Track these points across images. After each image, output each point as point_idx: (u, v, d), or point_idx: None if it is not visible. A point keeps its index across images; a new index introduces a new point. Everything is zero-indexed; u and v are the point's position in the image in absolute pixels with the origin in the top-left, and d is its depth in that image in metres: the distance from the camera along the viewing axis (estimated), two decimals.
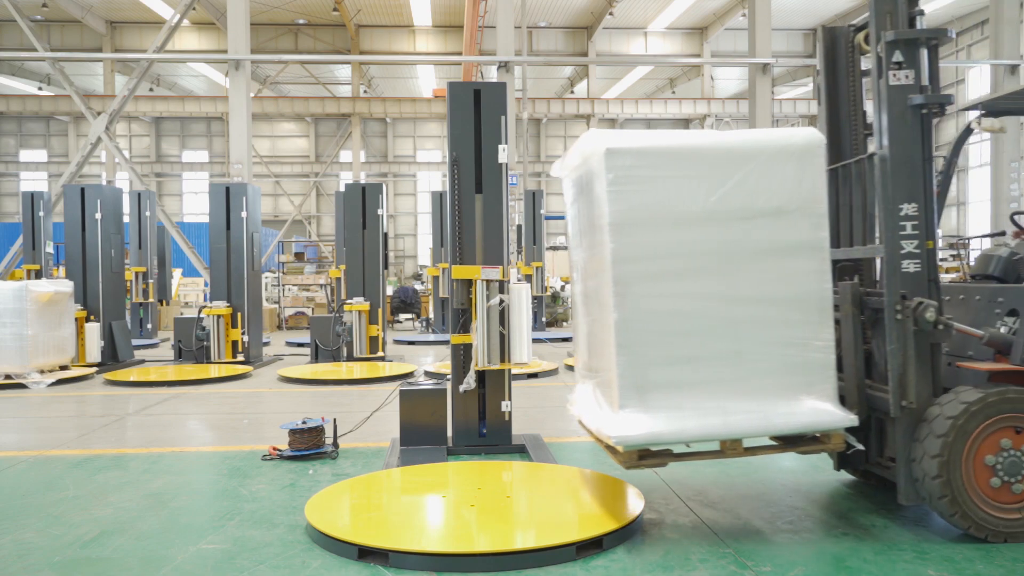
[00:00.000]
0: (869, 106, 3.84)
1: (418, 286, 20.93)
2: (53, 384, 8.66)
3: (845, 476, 4.37)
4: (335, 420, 5.29)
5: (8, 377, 8.56)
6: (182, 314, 15.03)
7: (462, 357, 5.24)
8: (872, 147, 3.67)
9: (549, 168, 13.70)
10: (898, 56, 3.50)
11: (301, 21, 27.18)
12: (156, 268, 14.78)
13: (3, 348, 8.46)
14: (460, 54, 25.97)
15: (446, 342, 10.51)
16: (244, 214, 10.33)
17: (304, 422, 5.17)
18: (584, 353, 4.03)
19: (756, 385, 3.33)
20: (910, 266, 3.50)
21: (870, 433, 3.79)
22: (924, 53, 3.53)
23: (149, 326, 14.40)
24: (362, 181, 21.18)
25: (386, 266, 11.23)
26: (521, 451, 5.19)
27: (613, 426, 3.27)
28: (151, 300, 14.39)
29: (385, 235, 11.11)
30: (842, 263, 4.01)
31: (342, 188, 11.78)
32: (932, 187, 3.54)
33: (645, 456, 3.33)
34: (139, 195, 14.39)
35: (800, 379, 3.36)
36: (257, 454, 5.21)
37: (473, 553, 3.20)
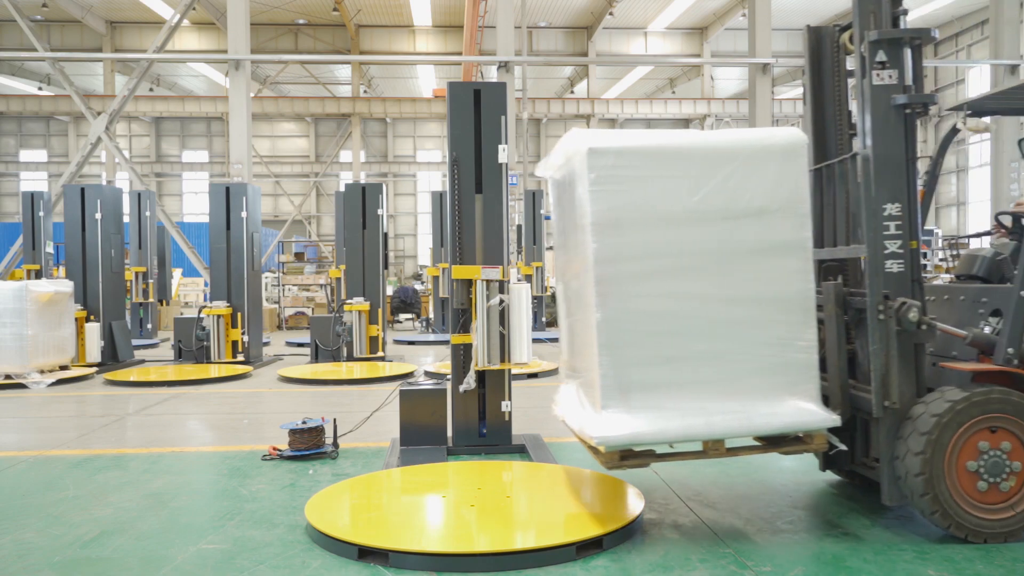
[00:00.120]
0: (855, 106, 3.84)
1: (418, 286, 20.93)
2: (53, 384, 8.66)
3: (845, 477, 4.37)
4: (335, 420, 5.29)
5: (8, 377, 8.56)
6: (182, 314, 15.03)
7: (462, 357, 5.24)
8: (857, 147, 3.67)
9: None
10: (881, 56, 3.50)
11: (301, 21, 27.18)
12: (156, 268, 14.78)
13: (3, 348, 8.46)
14: (460, 54, 25.97)
15: (446, 342, 10.51)
16: (244, 214, 10.33)
17: (304, 422, 5.17)
18: (568, 353, 4.03)
19: (738, 385, 3.33)
20: (893, 266, 3.49)
21: (855, 434, 3.79)
22: (908, 53, 3.53)
23: (149, 326, 14.40)
24: (362, 181, 21.18)
25: (386, 266, 11.23)
26: (521, 451, 5.19)
27: (595, 426, 3.26)
28: (151, 300, 14.39)
29: (385, 235, 11.11)
30: (827, 263, 4.00)
31: (342, 188, 11.78)
32: (916, 187, 3.54)
33: (627, 457, 3.31)
34: (139, 195, 14.39)
35: (783, 379, 3.35)
36: (257, 454, 5.21)
37: (473, 553, 3.20)
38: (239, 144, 15.03)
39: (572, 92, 31.42)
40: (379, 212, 10.94)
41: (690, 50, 27.57)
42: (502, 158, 5.21)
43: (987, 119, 4.31)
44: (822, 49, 4.14)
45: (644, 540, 3.45)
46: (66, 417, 6.95)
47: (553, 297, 16.81)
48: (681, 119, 29.38)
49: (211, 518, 3.86)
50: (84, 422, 6.59)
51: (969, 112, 4.30)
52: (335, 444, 5.16)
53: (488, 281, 5.07)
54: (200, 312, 10.19)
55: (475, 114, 5.27)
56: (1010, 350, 3.49)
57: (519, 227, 15.90)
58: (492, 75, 26.29)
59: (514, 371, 5.31)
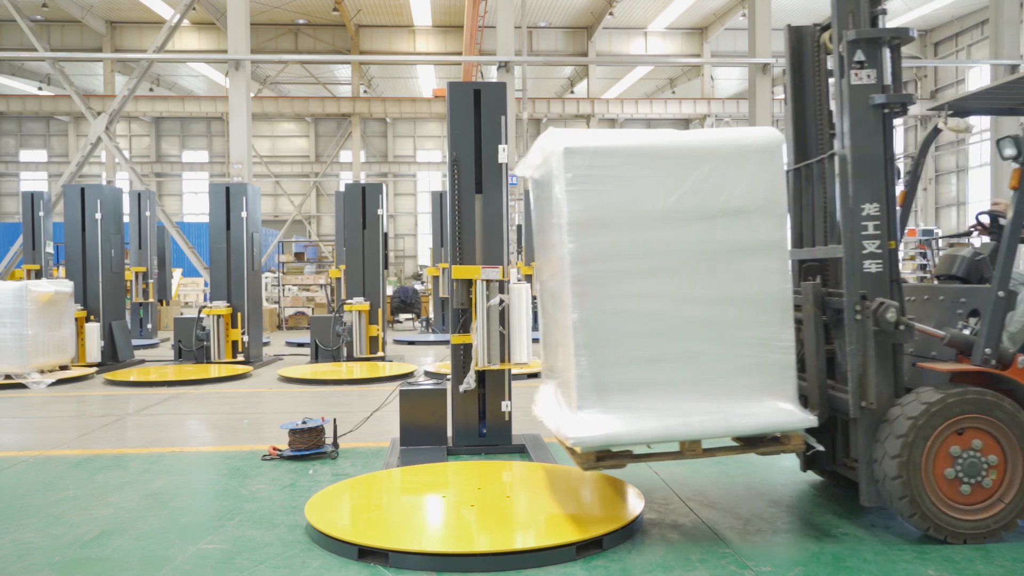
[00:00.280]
0: (835, 105, 3.83)
1: (418, 286, 20.93)
2: (53, 384, 8.66)
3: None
4: (335, 420, 5.29)
5: (8, 377, 8.56)
6: (182, 314, 15.03)
7: (462, 357, 5.24)
8: (837, 147, 3.66)
9: None
10: (860, 55, 3.49)
11: (301, 21, 27.17)
12: (156, 268, 14.77)
13: (3, 348, 8.46)
14: (460, 54, 25.96)
15: (446, 342, 10.50)
16: (244, 214, 10.33)
17: (304, 422, 5.17)
18: (546, 353, 4.03)
19: (716, 386, 3.31)
20: (872, 266, 3.49)
21: (836, 434, 3.78)
22: (886, 52, 3.53)
23: (149, 326, 14.40)
24: (362, 181, 21.18)
25: (386, 266, 11.23)
26: (521, 451, 5.19)
27: (571, 427, 3.25)
28: (151, 300, 14.39)
29: (385, 235, 11.11)
30: (808, 263, 3.98)
31: (342, 188, 11.78)
32: (894, 187, 3.54)
33: (604, 457, 3.30)
34: (139, 195, 14.39)
35: (760, 380, 3.34)
36: (257, 454, 5.21)
37: (473, 553, 3.20)
38: (239, 144, 15.03)
39: (572, 92, 31.42)
40: (379, 212, 10.94)
41: (690, 50, 27.56)
42: (502, 158, 5.21)
43: (968, 119, 4.31)
44: (803, 49, 4.11)
45: (644, 540, 3.45)
46: (66, 417, 6.95)
47: None
48: (681, 119, 29.39)
49: (211, 518, 3.86)
50: (84, 422, 6.59)
51: (951, 112, 4.30)
52: (335, 444, 5.16)
53: (488, 281, 5.07)
54: (200, 312, 10.19)
55: (475, 114, 5.27)
56: (987, 350, 3.47)
57: (519, 227, 15.89)
58: (492, 75, 26.29)
59: (514, 371, 5.31)
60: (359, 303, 10.58)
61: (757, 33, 16.91)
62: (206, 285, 16.80)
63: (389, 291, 17.67)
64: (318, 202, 33.58)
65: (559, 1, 24.90)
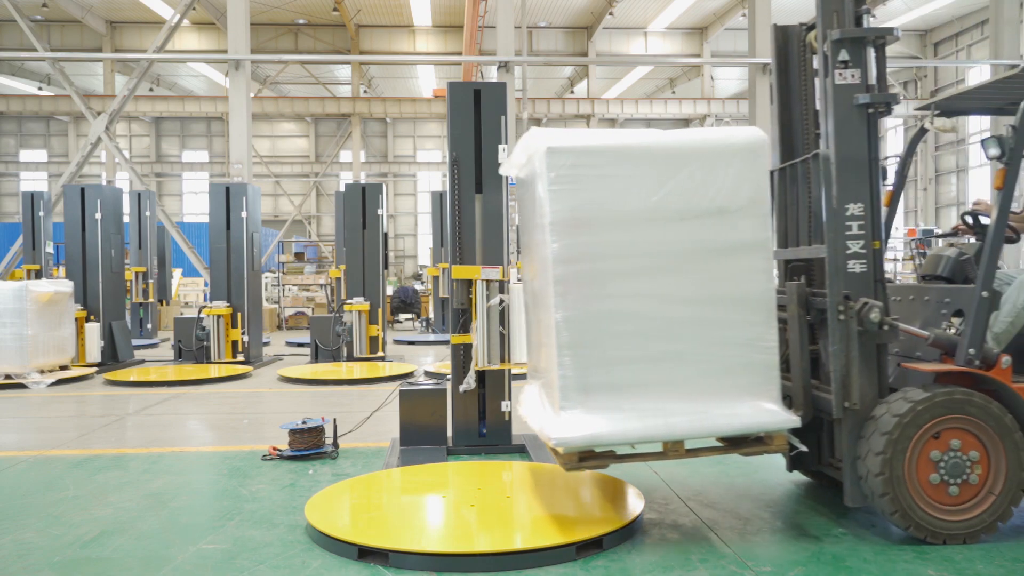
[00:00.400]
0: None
1: (418, 286, 20.93)
2: (53, 384, 8.66)
3: None
4: (335, 420, 5.29)
5: (8, 377, 8.56)
6: (182, 314, 15.03)
7: (462, 357, 5.24)
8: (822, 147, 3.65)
9: None
10: (844, 55, 3.48)
11: (301, 21, 27.18)
12: (156, 268, 14.77)
13: (3, 348, 8.46)
14: (460, 54, 25.96)
15: (446, 342, 10.50)
16: (244, 214, 10.33)
17: (304, 422, 5.17)
18: (531, 354, 4.02)
19: (698, 386, 3.30)
20: (856, 266, 3.48)
21: (821, 434, 3.78)
22: (871, 52, 3.52)
23: (149, 326, 14.39)
24: (362, 181, 21.18)
25: (386, 266, 11.23)
26: (521, 451, 5.19)
27: (554, 428, 3.24)
28: (151, 300, 14.39)
29: (385, 235, 11.11)
30: (793, 263, 3.97)
31: (342, 188, 11.78)
32: (879, 187, 3.52)
33: (586, 458, 3.28)
34: (139, 195, 14.39)
35: (743, 380, 3.33)
36: (257, 454, 5.21)
37: (473, 553, 3.20)
38: (239, 144, 15.03)
39: (572, 92, 31.42)
40: (379, 212, 10.94)
41: (690, 50, 27.56)
42: (502, 158, 5.21)
43: (954, 119, 4.31)
44: (789, 48, 4.10)
45: (644, 540, 3.45)
46: (66, 417, 6.95)
47: None
48: (681, 119, 29.39)
49: (211, 518, 3.86)
50: (84, 422, 6.59)
51: (937, 112, 4.30)
52: (335, 444, 5.16)
53: (488, 281, 5.06)
54: (200, 312, 10.19)
55: (475, 114, 5.27)
56: (971, 351, 3.46)
57: (519, 227, 15.88)
58: (492, 75, 26.28)
59: (514, 371, 5.31)
60: (359, 303, 10.58)
61: (757, 33, 16.91)
62: (206, 285, 16.81)
63: (389, 291, 17.67)
64: (318, 202, 33.58)
65: (559, 1, 24.90)
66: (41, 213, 13.38)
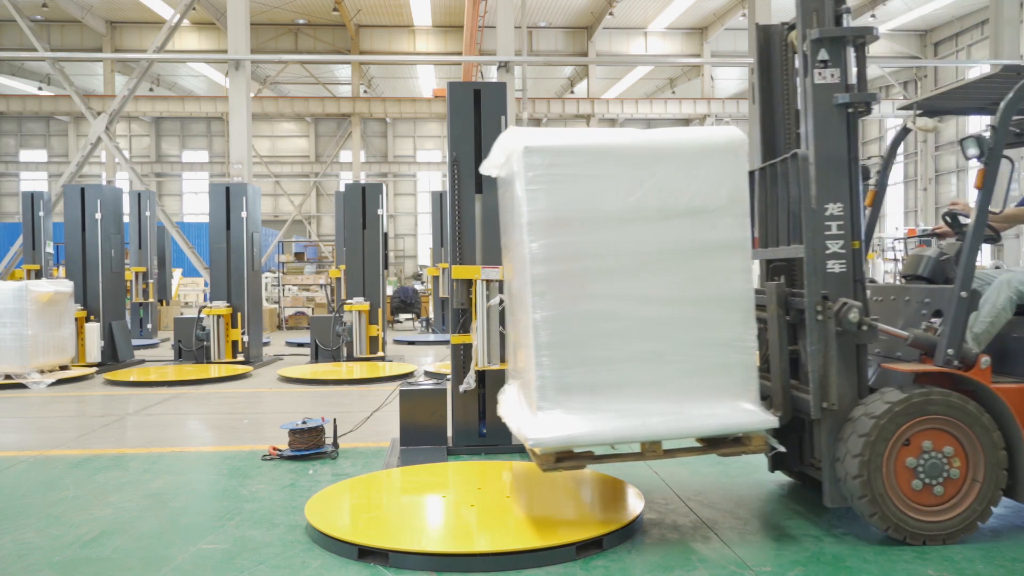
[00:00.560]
0: None
1: (418, 286, 20.93)
2: (53, 384, 8.66)
3: None
4: (335, 420, 5.29)
5: (8, 377, 8.56)
6: (182, 314, 15.04)
7: (462, 357, 5.24)
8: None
9: None
10: (823, 55, 3.47)
11: (301, 21, 27.18)
12: (156, 268, 14.78)
13: (3, 348, 8.46)
14: (460, 54, 25.96)
15: (446, 342, 10.51)
16: (244, 214, 10.33)
17: (304, 422, 5.17)
18: (510, 354, 4.01)
19: (676, 386, 3.28)
20: (835, 266, 3.47)
21: (804, 435, 3.76)
22: (851, 52, 3.51)
23: (149, 326, 14.40)
24: (362, 181, 21.18)
25: (386, 266, 11.23)
26: (521, 451, 5.19)
27: (531, 428, 3.22)
28: (151, 300, 14.39)
29: (385, 235, 11.11)
30: (775, 263, 3.95)
31: (342, 188, 11.79)
32: (859, 187, 3.51)
33: (563, 458, 3.27)
34: (139, 195, 14.40)
35: (721, 380, 3.31)
36: (257, 454, 5.21)
37: (473, 553, 3.20)
38: (239, 144, 15.03)
39: (572, 92, 31.42)
40: (379, 212, 10.94)
41: (690, 50, 27.56)
42: None
43: (936, 118, 4.30)
44: (771, 48, 4.08)
45: (644, 540, 3.45)
46: (66, 417, 6.95)
47: None
48: (681, 119, 29.39)
49: (211, 518, 3.86)
50: (84, 422, 6.59)
51: (920, 112, 4.29)
52: (335, 444, 5.16)
53: (488, 281, 5.06)
54: (200, 312, 10.19)
55: (475, 114, 5.27)
56: (950, 351, 3.44)
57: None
58: (492, 75, 26.28)
59: None
60: (359, 303, 10.58)
61: None
62: (206, 285, 16.81)
63: (389, 291, 17.67)
64: (318, 202, 33.58)
65: (559, 1, 24.90)
66: (41, 213, 13.39)
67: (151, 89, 29.70)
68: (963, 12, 24.96)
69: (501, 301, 5.06)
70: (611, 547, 3.34)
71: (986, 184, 3.45)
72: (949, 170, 27.64)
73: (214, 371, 9.35)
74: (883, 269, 21.65)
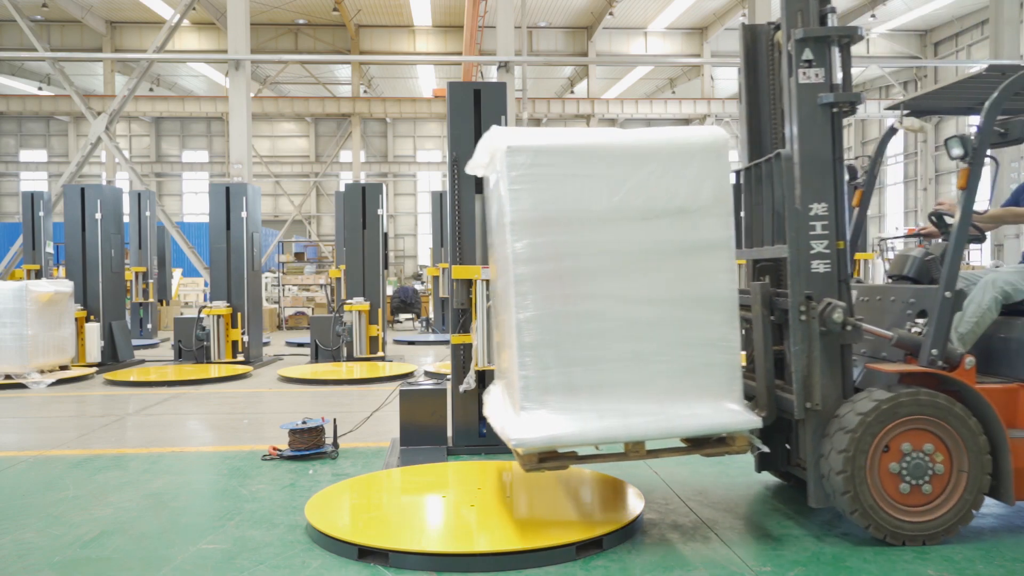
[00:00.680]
0: None
1: (418, 286, 20.93)
2: (53, 384, 8.66)
3: None
4: (335, 420, 5.29)
5: (8, 377, 8.56)
6: (182, 314, 15.03)
7: (462, 357, 5.24)
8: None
9: None
10: (808, 54, 3.47)
11: (301, 21, 27.17)
12: (156, 268, 14.78)
13: (3, 348, 8.46)
14: (460, 54, 25.96)
15: (446, 342, 10.51)
16: (244, 214, 10.33)
17: (304, 422, 5.17)
18: (496, 354, 4.00)
19: (659, 386, 3.27)
20: (820, 266, 3.46)
21: (791, 435, 3.76)
22: (835, 51, 3.51)
23: (149, 326, 14.40)
24: (362, 181, 21.18)
25: (386, 266, 11.23)
26: None
27: (514, 428, 3.22)
28: (151, 300, 14.39)
29: (385, 235, 11.11)
30: (762, 263, 3.95)
31: (342, 188, 11.79)
32: (843, 186, 3.50)
33: (547, 459, 3.26)
34: (139, 195, 14.40)
35: (705, 380, 3.30)
36: (257, 454, 5.21)
37: (473, 553, 3.20)
38: (239, 144, 15.03)
39: (572, 92, 31.42)
40: (379, 212, 10.94)
41: (690, 50, 27.56)
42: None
43: (923, 119, 4.30)
44: (757, 47, 4.07)
45: (644, 540, 3.45)
46: (66, 417, 6.95)
47: None
48: (681, 119, 29.39)
49: (211, 518, 3.86)
50: (84, 422, 6.59)
51: (907, 112, 4.28)
52: (335, 444, 5.16)
53: (488, 281, 5.06)
54: (200, 312, 10.19)
55: (475, 114, 5.27)
56: (934, 351, 3.44)
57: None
58: (492, 75, 26.28)
59: None
60: (359, 303, 10.58)
61: None
62: (206, 285, 16.81)
63: (389, 291, 17.67)
64: (318, 202, 33.58)
65: (559, 1, 24.90)
66: (41, 213, 13.39)
67: (151, 89, 29.71)
68: (963, 12, 24.96)
69: None
70: (611, 547, 3.34)
71: (970, 185, 3.45)
72: (949, 170, 27.64)
73: (214, 371, 9.35)
74: (883, 269, 21.66)
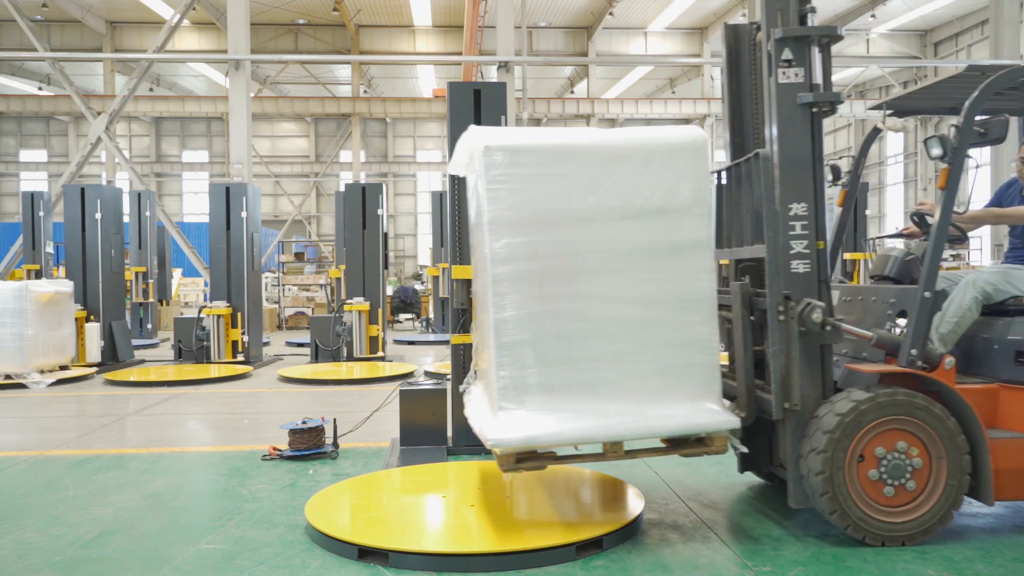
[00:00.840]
0: None
1: (418, 286, 20.94)
2: (53, 384, 8.66)
3: None
4: (335, 420, 5.29)
5: (8, 377, 8.56)
6: (182, 314, 15.04)
7: (462, 357, 5.24)
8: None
9: None
10: (787, 54, 3.46)
11: (301, 21, 27.18)
12: (156, 268, 14.78)
13: (3, 348, 8.46)
14: (460, 54, 25.96)
15: (446, 342, 10.51)
16: (244, 214, 10.33)
17: (304, 422, 5.17)
18: (477, 354, 4.00)
19: (638, 387, 3.26)
20: (799, 266, 3.45)
21: (773, 436, 3.75)
22: (815, 51, 3.51)
23: (149, 326, 14.40)
24: (362, 181, 21.18)
25: (386, 266, 11.23)
26: None
27: (491, 428, 3.20)
28: (151, 300, 14.39)
29: (385, 235, 11.11)
30: (744, 263, 3.94)
31: (342, 188, 11.79)
32: (823, 187, 3.50)
33: (524, 459, 3.24)
34: (139, 195, 14.40)
35: (683, 380, 3.29)
36: (257, 454, 5.21)
37: (473, 553, 3.20)
38: (239, 144, 15.03)
39: (572, 92, 31.43)
40: (379, 212, 10.94)
41: (690, 50, 27.57)
42: None
43: (905, 118, 4.29)
44: (740, 47, 4.07)
45: (644, 540, 3.45)
46: (66, 417, 6.95)
47: None
48: (681, 119, 29.38)
49: (211, 518, 3.86)
50: (84, 422, 6.59)
51: (890, 112, 4.27)
52: (335, 444, 5.16)
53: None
54: (200, 312, 10.20)
55: (475, 114, 5.27)
56: (913, 351, 3.43)
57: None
58: (492, 75, 26.28)
59: None
60: (359, 303, 10.58)
61: None
62: (206, 285, 16.82)
63: (389, 291, 17.67)
64: (318, 202, 33.59)
65: (559, 1, 24.90)
66: (41, 213, 13.38)
67: (151, 89, 29.71)
68: (963, 12, 24.95)
69: None
70: (611, 547, 3.34)
71: (950, 185, 3.45)
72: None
73: (214, 371, 9.35)
74: None
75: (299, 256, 23.39)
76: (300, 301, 19.13)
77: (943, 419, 3.32)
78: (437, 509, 3.87)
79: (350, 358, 10.49)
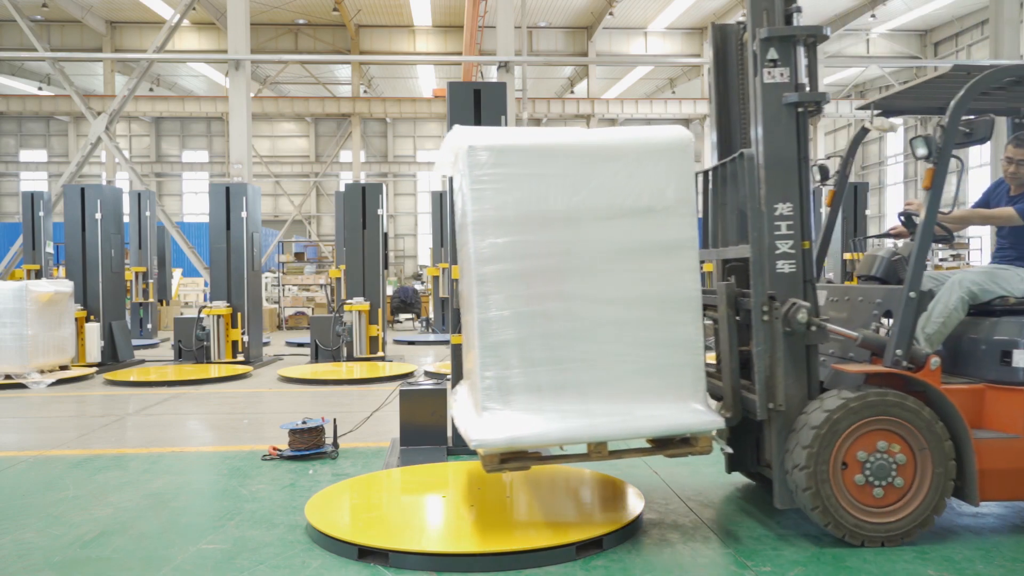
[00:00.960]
0: None
1: (418, 286, 20.93)
2: (53, 384, 8.66)
3: None
4: (335, 420, 5.29)
5: (8, 377, 8.56)
6: (182, 314, 15.03)
7: (462, 357, 5.23)
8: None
9: None
10: (772, 54, 3.46)
11: (301, 21, 27.17)
12: (156, 268, 14.77)
13: (3, 348, 8.46)
14: (460, 54, 25.95)
15: (446, 342, 10.52)
16: (244, 214, 10.33)
17: (304, 422, 5.17)
18: (464, 354, 4.01)
19: (623, 387, 3.26)
20: (785, 267, 3.45)
21: (760, 436, 3.75)
22: (800, 51, 3.50)
23: (149, 326, 14.39)
24: (362, 181, 21.18)
25: (386, 266, 11.23)
26: None
27: (475, 428, 3.20)
28: (151, 300, 14.39)
29: (385, 235, 11.11)
30: (731, 263, 3.94)
31: (342, 188, 11.79)
32: (808, 186, 3.50)
33: (508, 459, 3.24)
34: (139, 195, 14.39)
35: (668, 380, 3.29)
36: (257, 454, 5.21)
37: (473, 553, 3.20)
38: (239, 144, 15.03)
39: (572, 92, 31.42)
40: (379, 212, 10.94)
41: (690, 50, 27.57)
42: None
43: (895, 118, 4.29)
44: (727, 47, 4.06)
45: (644, 540, 3.45)
46: (66, 417, 6.95)
47: None
48: (681, 119, 29.39)
49: (211, 518, 3.86)
50: (84, 422, 6.59)
51: (878, 112, 4.27)
52: (335, 444, 5.16)
53: None
54: (200, 312, 10.19)
55: (475, 114, 5.27)
56: (898, 352, 3.43)
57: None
58: (492, 75, 26.28)
59: None
60: (359, 303, 10.58)
61: None
62: (206, 285, 16.81)
63: (389, 291, 17.67)
64: (318, 202, 33.58)
65: (559, 1, 24.89)
66: (41, 213, 13.39)
67: (151, 89, 29.70)
68: (963, 12, 24.95)
69: None
70: (611, 547, 3.34)
71: (935, 185, 3.45)
72: (950, 169, 27.59)
73: (214, 371, 9.35)
74: None
75: (299, 256, 23.37)
76: (300, 301, 19.13)
77: (931, 422, 3.31)
78: (437, 509, 3.87)
79: (350, 358, 10.49)
